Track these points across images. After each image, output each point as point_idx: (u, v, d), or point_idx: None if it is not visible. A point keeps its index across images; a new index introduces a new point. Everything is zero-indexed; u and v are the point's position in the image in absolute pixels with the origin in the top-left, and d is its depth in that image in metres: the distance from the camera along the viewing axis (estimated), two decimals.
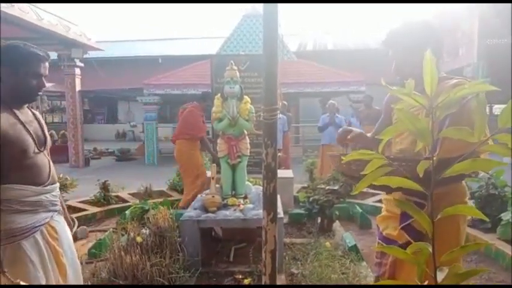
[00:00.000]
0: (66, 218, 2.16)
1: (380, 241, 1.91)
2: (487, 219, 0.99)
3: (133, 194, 6.27)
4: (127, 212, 4.61)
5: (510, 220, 3.73)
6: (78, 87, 11.29)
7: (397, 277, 1.75)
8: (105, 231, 4.31)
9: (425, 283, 0.97)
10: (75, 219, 2.22)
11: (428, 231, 0.96)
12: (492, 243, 1.06)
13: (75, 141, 11.10)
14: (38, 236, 1.82)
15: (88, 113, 22.38)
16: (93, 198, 5.78)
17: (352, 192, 1.09)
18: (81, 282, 2.20)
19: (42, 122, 2.00)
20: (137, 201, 5.11)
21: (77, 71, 11.25)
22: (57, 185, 2.03)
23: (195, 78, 11.47)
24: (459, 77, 1.70)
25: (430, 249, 0.97)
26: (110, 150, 15.20)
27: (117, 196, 6.04)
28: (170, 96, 12.11)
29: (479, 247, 0.97)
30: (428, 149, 1.10)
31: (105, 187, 5.84)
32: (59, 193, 2.03)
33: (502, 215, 3.89)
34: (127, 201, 5.87)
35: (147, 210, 4.33)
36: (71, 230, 2.24)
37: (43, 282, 1.83)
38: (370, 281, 2.89)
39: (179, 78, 11.94)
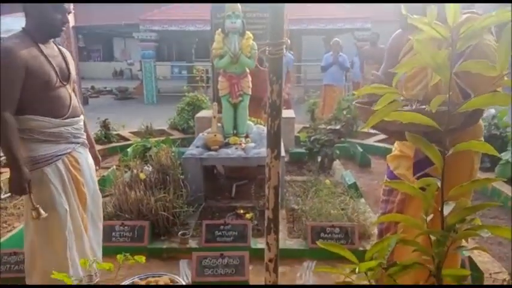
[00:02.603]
0: (94, 153, 2.30)
1: (388, 179, 1.92)
2: (498, 154, 0.98)
3: (134, 133, 6.28)
4: (129, 149, 4.65)
5: (509, 160, 3.78)
6: (72, 23, 10.82)
7: (404, 214, 1.78)
8: (108, 168, 4.38)
9: (431, 217, 0.98)
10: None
11: (439, 166, 0.95)
12: (502, 179, 1.07)
13: None
14: (59, 164, 1.96)
15: (83, 50, 21.76)
16: (94, 136, 5.79)
17: (362, 128, 1.07)
18: (101, 214, 2.30)
19: (69, 58, 2.08)
20: (138, 140, 5.13)
21: (70, 5, 10.70)
22: (80, 118, 2.11)
23: (194, 13, 10.97)
24: (469, 11, 1.59)
25: (439, 184, 0.97)
26: (108, 89, 15.00)
27: (118, 134, 6.06)
28: (168, 32, 11.67)
29: (489, 182, 0.96)
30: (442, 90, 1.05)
31: (105, 125, 5.84)
32: (82, 126, 2.12)
33: (501, 154, 3.94)
34: (128, 140, 5.90)
35: (149, 148, 4.35)
36: (99, 165, 2.37)
37: (66, 207, 1.97)
38: (369, 216, 2.99)
39: (177, 13, 11.41)
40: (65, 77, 2.00)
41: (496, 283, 1.19)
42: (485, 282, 1.70)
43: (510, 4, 1.09)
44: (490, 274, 1.37)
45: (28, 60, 1.79)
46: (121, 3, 12.69)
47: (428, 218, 0.97)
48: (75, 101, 2.08)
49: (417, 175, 1.71)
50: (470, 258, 2.24)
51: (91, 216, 2.19)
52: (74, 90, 2.11)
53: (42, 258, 2.00)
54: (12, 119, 1.79)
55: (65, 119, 1.97)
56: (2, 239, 2.73)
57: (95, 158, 2.37)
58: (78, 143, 2.08)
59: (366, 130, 4.70)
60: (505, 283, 1.20)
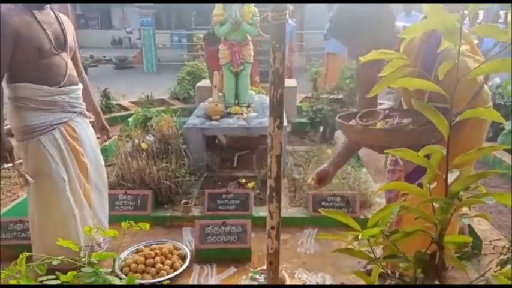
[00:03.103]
0: (101, 123, 2.33)
1: None
2: (505, 122, 0.96)
3: (134, 102, 6.24)
4: (130, 119, 4.63)
5: (511, 129, 3.76)
6: None
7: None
8: (109, 138, 4.37)
9: (434, 185, 0.97)
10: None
11: (445, 134, 0.93)
12: (508, 147, 1.07)
13: None
14: (56, 133, 1.95)
15: (81, 18, 21.26)
16: None
17: (368, 94, 1.04)
18: (105, 183, 2.32)
19: (67, 25, 2.01)
20: (139, 109, 5.10)
21: None
22: (77, 87, 2.08)
23: None
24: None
25: (444, 152, 0.96)
26: (107, 58, 14.76)
27: (118, 104, 6.02)
28: None
29: (494, 150, 0.95)
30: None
31: (105, 95, 5.79)
32: (79, 96, 2.09)
33: (504, 124, 3.92)
34: (129, 109, 5.87)
35: (150, 118, 4.34)
36: (107, 135, 2.40)
37: (64, 177, 1.99)
38: (370, 185, 3.01)
39: None
40: (61, 45, 1.95)
41: (496, 250, 1.20)
42: (485, 250, 1.73)
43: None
44: (490, 241, 1.39)
45: (20, 27, 1.75)
46: None
47: (432, 186, 0.97)
48: (72, 70, 2.04)
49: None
50: (469, 226, 2.28)
51: (95, 187, 2.20)
52: (73, 59, 2.07)
53: (41, 227, 2.03)
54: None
55: (60, 87, 1.94)
56: (8, 208, 2.77)
57: (102, 128, 2.36)
58: (75, 113, 2.05)
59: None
60: (505, 250, 1.22)
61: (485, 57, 1.12)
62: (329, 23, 1.64)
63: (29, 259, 1.01)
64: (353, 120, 1.55)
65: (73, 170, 2.04)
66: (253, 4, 3.56)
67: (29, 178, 1.86)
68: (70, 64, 2.02)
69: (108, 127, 2.41)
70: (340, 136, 4.55)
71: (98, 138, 2.31)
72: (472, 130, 1.59)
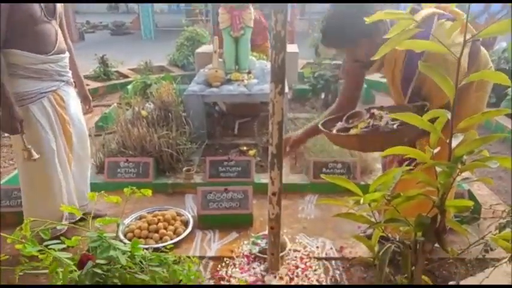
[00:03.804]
0: (84, 93, 2.31)
1: None
2: (511, 84, 0.94)
3: (133, 70, 6.15)
4: (129, 86, 4.58)
5: None
6: None
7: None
8: (109, 105, 4.35)
9: (437, 149, 0.97)
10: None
11: (451, 97, 0.92)
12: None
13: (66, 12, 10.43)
14: (45, 102, 1.95)
15: None
16: (93, 73, 5.69)
17: (373, 57, 1.01)
18: (88, 153, 2.33)
19: None
20: (138, 77, 5.03)
21: None
22: (65, 55, 2.06)
23: None
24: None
25: (449, 116, 0.94)
26: (103, 24, 14.42)
27: (117, 71, 5.94)
28: None
29: (499, 114, 0.93)
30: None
31: (103, 62, 5.70)
32: (67, 64, 2.07)
33: (508, 90, 3.87)
34: (127, 77, 5.80)
35: (149, 85, 4.29)
36: (89, 106, 2.37)
37: (53, 145, 1.99)
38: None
39: None
40: (50, 12, 1.92)
41: (495, 214, 1.21)
42: (485, 214, 1.75)
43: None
44: (490, 206, 1.40)
45: None
46: None
47: (435, 150, 0.96)
48: (61, 38, 2.01)
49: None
50: (469, 191, 2.29)
51: (78, 157, 2.22)
52: (60, 25, 2.03)
53: (28, 196, 2.07)
54: (1, 55, 1.76)
55: (50, 55, 1.93)
56: (10, 175, 2.79)
57: (85, 97, 2.35)
58: (63, 81, 2.05)
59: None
60: (505, 214, 1.23)
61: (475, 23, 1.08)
62: (321, 34, 1.60)
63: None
64: (339, 123, 1.55)
65: (60, 139, 2.05)
66: None
67: (33, 153, 1.86)
68: (59, 32, 1.99)
69: (90, 97, 2.38)
70: None
71: None
72: (476, 94, 1.57)
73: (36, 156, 1.87)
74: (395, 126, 1.31)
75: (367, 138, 1.37)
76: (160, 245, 2.07)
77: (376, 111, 1.45)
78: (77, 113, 2.17)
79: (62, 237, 0.99)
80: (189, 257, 1.15)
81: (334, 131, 1.50)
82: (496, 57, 4.20)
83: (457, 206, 0.96)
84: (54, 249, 0.92)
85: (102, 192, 1.18)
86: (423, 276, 1.06)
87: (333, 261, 2.04)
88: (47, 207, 2.04)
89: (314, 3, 12.58)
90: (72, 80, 2.15)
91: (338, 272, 1.97)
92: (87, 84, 5.29)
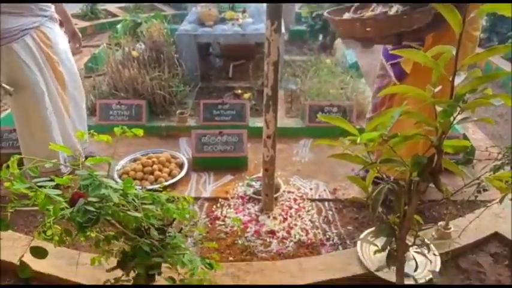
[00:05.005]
0: (72, 29, 2.22)
1: (384, 57, 1.85)
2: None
3: (122, 8, 5.87)
4: (118, 26, 4.37)
5: None
6: None
7: (403, 83, 1.73)
8: (98, 46, 4.17)
9: (439, 88, 0.93)
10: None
11: (457, 32, 0.86)
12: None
13: None
14: (28, 40, 1.85)
15: None
16: (80, 12, 5.41)
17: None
18: (82, 93, 2.27)
19: None
20: (127, 15, 4.79)
21: None
22: None
23: None
24: None
25: (454, 53, 0.89)
26: None
27: (105, 10, 5.66)
28: None
29: (506, 50, 0.88)
30: None
31: None
32: None
33: (509, 33, 3.76)
34: (117, 16, 5.54)
35: (140, 24, 4.09)
36: (79, 43, 2.28)
37: (43, 87, 1.92)
38: (368, 95, 2.96)
39: None
40: None
41: (491, 157, 1.21)
42: (480, 156, 1.75)
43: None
44: (486, 148, 1.39)
45: None
46: None
47: (437, 89, 0.92)
48: None
49: (390, 62, 1.75)
50: (464, 135, 2.29)
51: (73, 97, 2.16)
52: None
53: (23, 138, 2.05)
54: None
55: None
56: (1, 116, 2.74)
57: (73, 34, 2.24)
58: (45, 16, 1.93)
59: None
60: (500, 156, 1.23)
61: None
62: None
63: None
64: (346, 14, 1.48)
65: (51, 80, 1.97)
66: None
67: (7, 87, 1.80)
68: None
69: (79, 34, 2.27)
70: (339, 45, 4.36)
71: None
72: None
73: (11, 89, 1.81)
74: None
75: (370, 22, 1.32)
76: (155, 186, 2.08)
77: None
78: (66, 51, 2.08)
79: (51, 176, 0.98)
80: (184, 197, 1.14)
81: None
82: None
83: (454, 146, 0.94)
84: (44, 187, 0.91)
85: (92, 131, 1.15)
86: (415, 216, 1.07)
87: (326, 203, 2.08)
88: (43, 149, 2.02)
89: None
90: (56, 16, 2.02)
91: (331, 212, 2.01)
92: (75, 24, 5.09)
